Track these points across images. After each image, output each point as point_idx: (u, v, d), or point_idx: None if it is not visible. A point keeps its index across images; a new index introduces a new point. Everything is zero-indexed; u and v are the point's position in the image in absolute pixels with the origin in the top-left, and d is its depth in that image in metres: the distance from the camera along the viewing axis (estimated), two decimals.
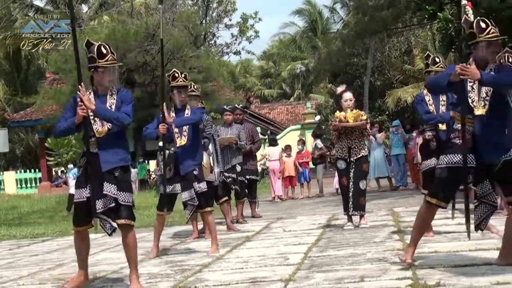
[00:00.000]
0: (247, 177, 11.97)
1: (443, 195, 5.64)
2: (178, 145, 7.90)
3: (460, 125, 5.62)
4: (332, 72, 41.70)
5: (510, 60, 8.69)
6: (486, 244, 6.49)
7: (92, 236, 6.23)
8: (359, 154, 9.31)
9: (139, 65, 28.26)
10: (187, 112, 8.01)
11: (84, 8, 36.48)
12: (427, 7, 16.50)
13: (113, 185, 5.87)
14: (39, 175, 34.73)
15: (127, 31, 26.82)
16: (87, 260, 6.30)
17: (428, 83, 6.33)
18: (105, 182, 5.85)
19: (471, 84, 5.55)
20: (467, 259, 5.87)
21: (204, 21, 36.72)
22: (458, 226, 8.21)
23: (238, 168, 11.25)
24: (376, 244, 7.48)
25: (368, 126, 9.58)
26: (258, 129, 25.73)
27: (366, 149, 9.71)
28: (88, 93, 5.96)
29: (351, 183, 9.30)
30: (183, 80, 8.03)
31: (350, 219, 9.40)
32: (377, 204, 12.72)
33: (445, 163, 5.62)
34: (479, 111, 5.51)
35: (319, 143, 18.78)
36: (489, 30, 5.50)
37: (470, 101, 5.54)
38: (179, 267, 7.06)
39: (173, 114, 7.93)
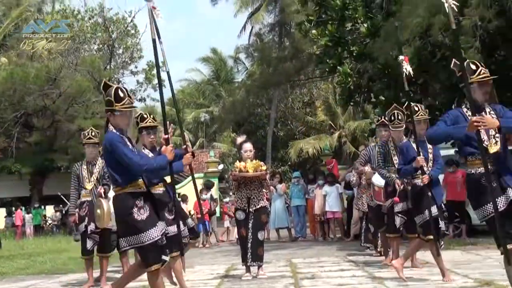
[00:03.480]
0: None
1: None
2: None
3: None
4: (236, 122, 42.06)
5: (399, 117, 8.96)
6: None
7: None
8: (258, 204, 9.30)
9: (38, 109, 27.67)
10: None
11: None
12: (328, 60, 16.88)
13: None
14: None
15: (26, 74, 26.22)
16: None
17: (433, 135, 5.82)
18: None
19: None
20: None
21: (108, 67, 36.27)
22: (352, 278, 8.33)
23: None
24: None
25: (267, 177, 9.63)
26: None
27: (265, 200, 9.74)
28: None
29: (249, 234, 9.27)
30: (152, 121, 7.80)
31: (248, 269, 9.35)
32: (276, 255, 12.72)
33: None
34: (493, 149, 5.52)
35: (208, 194, 18.81)
36: (480, 71, 5.53)
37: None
38: None
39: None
